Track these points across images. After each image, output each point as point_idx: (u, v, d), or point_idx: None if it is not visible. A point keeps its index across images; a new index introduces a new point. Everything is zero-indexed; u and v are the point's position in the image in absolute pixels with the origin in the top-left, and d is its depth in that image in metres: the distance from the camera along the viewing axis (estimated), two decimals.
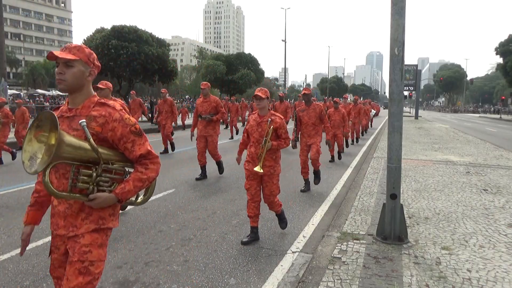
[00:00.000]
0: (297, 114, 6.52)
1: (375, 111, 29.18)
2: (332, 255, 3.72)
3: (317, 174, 6.84)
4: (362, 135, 17.25)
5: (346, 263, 3.53)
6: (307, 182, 6.74)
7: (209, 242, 4.21)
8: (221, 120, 7.73)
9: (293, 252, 3.96)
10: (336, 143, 10.32)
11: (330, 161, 9.78)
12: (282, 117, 4.11)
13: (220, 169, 7.80)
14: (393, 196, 4.04)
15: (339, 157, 10.39)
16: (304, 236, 4.45)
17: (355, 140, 14.69)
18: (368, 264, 3.50)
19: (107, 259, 3.68)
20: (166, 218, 5.03)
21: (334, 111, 10.27)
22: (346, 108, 12.46)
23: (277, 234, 4.52)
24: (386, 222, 4.07)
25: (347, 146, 12.63)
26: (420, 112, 50.17)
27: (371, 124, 22.90)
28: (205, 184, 7.09)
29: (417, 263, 3.54)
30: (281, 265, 3.64)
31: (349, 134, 12.70)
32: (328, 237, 4.23)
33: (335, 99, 11.00)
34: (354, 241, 4.09)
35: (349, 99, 19.88)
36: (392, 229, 4.04)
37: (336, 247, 3.91)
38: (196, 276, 3.41)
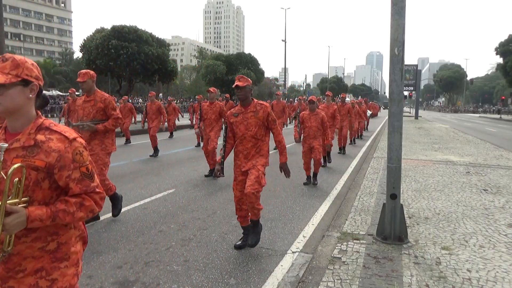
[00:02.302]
0: (228, 120, 3.99)
1: (370, 112, 25.89)
2: (332, 255, 3.72)
3: (252, 228, 3.99)
4: (354, 142, 14.31)
5: (346, 263, 3.53)
6: (245, 230, 4.07)
7: (209, 242, 4.21)
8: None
9: (293, 252, 3.96)
10: (312, 159, 7.24)
11: (304, 183, 7.18)
12: (83, 143, 1.55)
13: (116, 209, 4.94)
14: (393, 196, 4.04)
15: (315, 180, 7.24)
16: (304, 236, 4.45)
17: (342, 149, 11.59)
18: (368, 264, 3.50)
19: (107, 259, 3.69)
20: (166, 218, 5.03)
21: (309, 114, 7.13)
22: (329, 110, 9.14)
23: (277, 234, 4.52)
24: (386, 222, 4.07)
25: (328, 161, 9.44)
26: (420, 112, 50.18)
27: (366, 127, 20.15)
28: (205, 184, 7.09)
29: (417, 263, 3.54)
30: (281, 265, 3.64)
31: (331, 146, 9.11)
32: (328, 237, 4.23)
33: (310, 97, 7.40)
34: (354, 241, 4.09)
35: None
36: (392, 229, 4.04)
37: (336, 247, 3.91)
38: (196, 276, 3.41)
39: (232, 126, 3.96)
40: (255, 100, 3.96)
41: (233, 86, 3.82)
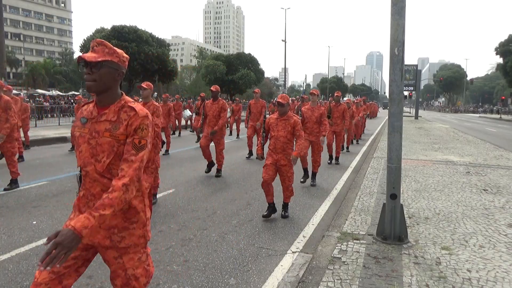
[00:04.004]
0: (72, 131, 1.84)
1: (367, 112, 22.53)
2: (332, 255, 3.72)
3: None
4: (347, 149, 12.23)
5: (346, 263, 3.53)
6: None
7: (209, 242, 4.21)
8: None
9: (293, 252, 3.96)
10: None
11: (264, 216, 5.03)
12: None
13: None
14: (393, 196, 4.04)
15: (285, 212, 5.21)
16: (304, 236, 4.45)
17: (333, 158, 9.66)
18: (368, 264, 3.50)
19: None
20: (166, 218, 5.03)
21: (277, 119, 5.06)
22: (314, 113, 7.00)
23: (277, 234, 4.52)
24: (386, 222, 4.07)
25: (312, 182, 7.20)
26: (420, 112, 50.18)
27: (363, 129, 17.70)
28: (205, 184, 7.09)
29: (417, 263, 3.54)
30: (281, 265, 3.64)
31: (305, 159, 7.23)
32: (328, 237, 4.23)
33: (279, 96, 5.12)
34: (354, 241, 4.09)
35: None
36: (392, 229, 4.04)
37: (336, 247, 3.91)
38: (196, 276, 3.41)
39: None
40: (127, 97, 1.93)
41: (77, 60, 1.86)
